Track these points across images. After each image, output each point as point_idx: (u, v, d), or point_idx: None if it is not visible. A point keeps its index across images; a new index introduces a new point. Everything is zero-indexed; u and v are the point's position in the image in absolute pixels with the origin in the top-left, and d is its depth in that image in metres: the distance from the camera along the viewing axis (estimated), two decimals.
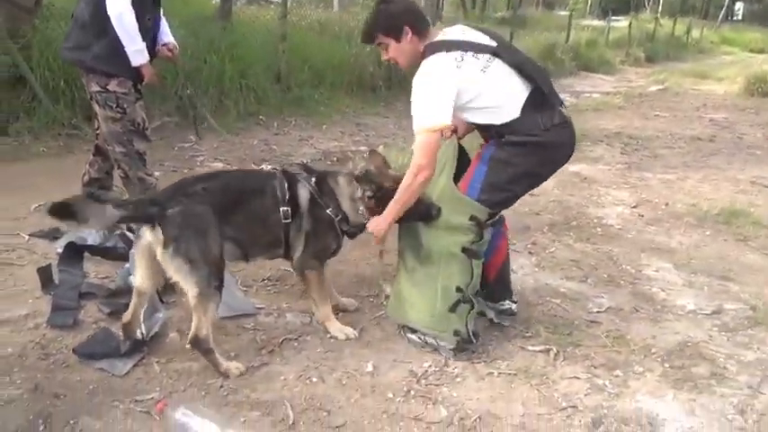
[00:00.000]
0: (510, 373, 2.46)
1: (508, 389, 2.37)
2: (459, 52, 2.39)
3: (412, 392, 2.30)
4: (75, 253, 2.99)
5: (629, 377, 2.48)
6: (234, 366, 2.31)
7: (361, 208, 2.59)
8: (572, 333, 2.78)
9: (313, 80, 7.58)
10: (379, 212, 2.51)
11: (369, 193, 2.54)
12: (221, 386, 2.24)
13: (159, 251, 2.20)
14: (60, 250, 3.02)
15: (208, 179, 2.52)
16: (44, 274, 2.76)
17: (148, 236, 2.24)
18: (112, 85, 3.35)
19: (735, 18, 50.36)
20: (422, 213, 2.52)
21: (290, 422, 2.08)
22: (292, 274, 3.10)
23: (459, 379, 2.41)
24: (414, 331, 2.63)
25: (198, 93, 5.60)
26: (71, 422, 1.99)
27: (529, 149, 2.46)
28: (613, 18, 31.29)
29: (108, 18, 3.19)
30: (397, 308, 2.70)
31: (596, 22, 25.12)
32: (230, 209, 2.42)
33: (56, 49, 4.87)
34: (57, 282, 2.76)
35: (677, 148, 6.97)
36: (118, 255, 3.08)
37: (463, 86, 2.37)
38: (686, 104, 10.65)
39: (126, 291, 2.75)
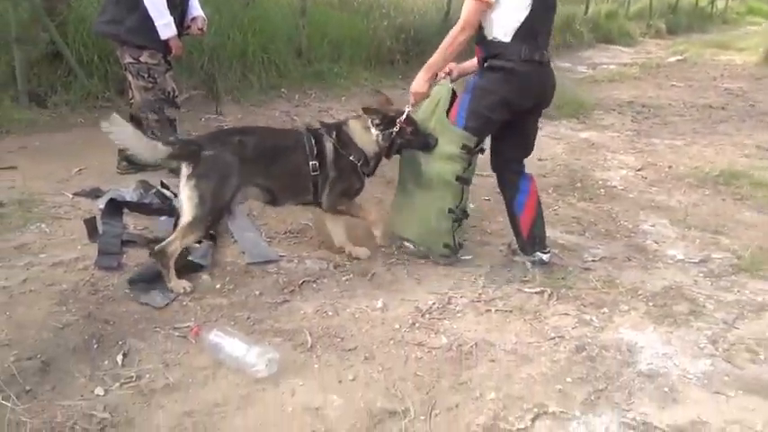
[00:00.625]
0: (506, 311, 2.73)
1: (503, 322, 2.64)
2: None
3: (417, 324, 2.58)
4: (115, 208, 3.30)
5: (614, 314, 2.75)
6: (182, 285, 2.68)
7: (375, 134, 2.99)
8: (566, 278, 3.04)
9: (332, 54, 7.79)
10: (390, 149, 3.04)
11: (377, 122, 2.97)
12: (248, 317, 2.55)
13: (183, 181, 2.66)
14: (102, 206, 3.34)
15: (244, 133, 2.91)
16: (90, 224, 3.08)
17: (184, 170, 2.68)
18: (144, 57, 3.66)
19: None
20: (422, 143, 2.99)
21: (309, 346, 2.38)
22: (312, 227, 3.43)
23: (459, 314, 2.69)
24: (411, 242, 3.16)
25: (221, 68, 5.88)
26: (119, 343, 2.30)
27: (505, 76, 2.84)
28: None
29: None
30: (397, 224, 3.23)
31: None
32: (262, 161, 2.81)
33: (89, 26, 5.17)
34: (101, 232, 3.08)
35: (688, 116, 7.11)
36: (154, 210, 3.38)
37: None
38: (702, 74, 10.68)
39: (161, 240, 3.09)
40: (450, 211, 3.05)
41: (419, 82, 2.98)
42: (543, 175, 4.60)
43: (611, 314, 2.74)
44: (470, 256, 3.25)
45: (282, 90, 6.82)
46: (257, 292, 2.75)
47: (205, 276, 2.83)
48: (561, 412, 2.08)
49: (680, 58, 12.67)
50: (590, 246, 3.45)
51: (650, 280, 3.08)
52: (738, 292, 3.00)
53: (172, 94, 3.84)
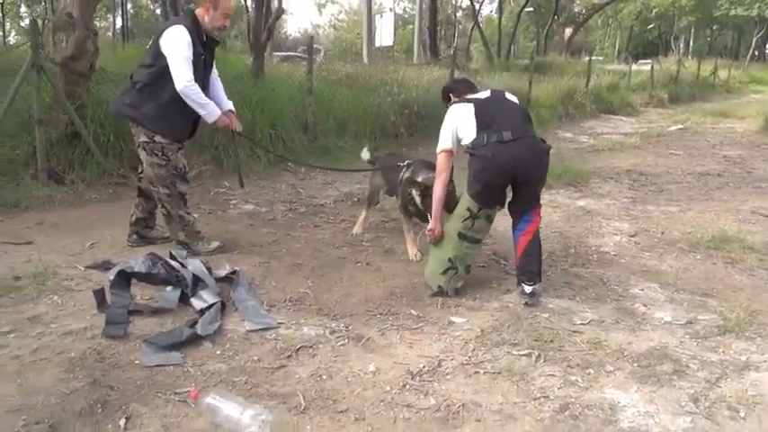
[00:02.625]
0: (494, 372, 2.83)
1: (491, 384, 2.74)
2: (463, 103, 3.68)
3: (407, 386, 2.68)
4: (124, 279, 3.49)
5: (599, 375, 2.83)
6: None
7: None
8: (554, 340, 3.14)
9: (338, 129, 8.15)
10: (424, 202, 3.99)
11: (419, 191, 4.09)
12: (245, 381, 2.66)
13: None
14: (112, 277, 3.52)
15: None
16: (98, 295, 3.25)
17: None
18: (158, 138, 3.92)
19: (767, 59, 50.14)
20: (450, 205, 3.79)
21: (302, 408, 2.49)
22: (310, 295, 3.58)
23: (449, 376, 2.79)
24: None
25: (232, 144, 6.19)
26: (122, 407, 2.43)
27: (473, 158, 3.58)
28: (641, 61, 31.75)
29: (161, 86, 3.81)
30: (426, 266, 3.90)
31: (621, 67, 25.49)
32: None
33: (106, 108, 5.53)
34: (109, 302, 3.25)
35: (684, 183, 7.28)
36: (160, 280, 3.55)
37: (457, 125, 3.64)
38: (702, 142, 10.94)
39: (167, 309, 3.26)
40: (449, 260, 3.64)
41: (432, 225, 3.72)
42: None
43: (596, 375, 2.82)
44: (464, 319, 3.37)
45: (289, 164, 7.12)
46: (255, 358, 2.88)
47: (207, 343, 2.97)
48: None
49: (681, 126, 12.99)
50: (580, 309, 3.56)
51: (636, 341, 3.17)
52: (723, 352, 3.08)
53: (183, 170, 4.09)
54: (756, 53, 46.07)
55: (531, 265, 3.61)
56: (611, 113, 15.37)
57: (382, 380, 2.74)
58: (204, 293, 3.36)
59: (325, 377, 2.74)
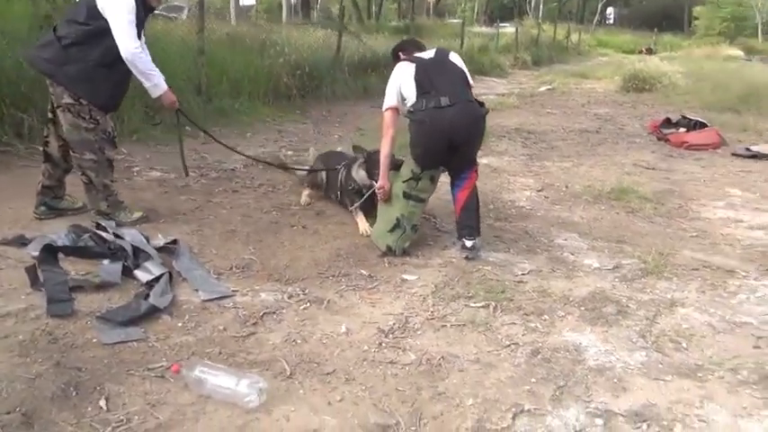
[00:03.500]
0: (459, 324, 2.94)
1: (460, 336, 2.84)
2: (408, 62, 3.73)
3: (383, 344, 2.72)
4: (50, 254, 3.20)
5: (554, 320, 3.03)
6: None
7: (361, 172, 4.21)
8: (504, 291, 3.30)
9: (232, 91, 7.83)
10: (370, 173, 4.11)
11: (361, 161, 4.23)
12: (219, 352, 2.58)
13: None
14: (36, 253, 3.22)
15: None
16: (31, 272, 2.97)
17: None
18: (84, 100, 3.60)
19: (607, 22, 54.07)
20: (396, 165, 3.88)
21: (288, 374, 2.45)
22: (256, 261, 3.50)
23: (419, 332, 2.86)
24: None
25: (124, 107, 5.77)
26: (97, 388, 2.27)
27: (412, 123, 3.68)
28: (500, 24, 33.08)
29: (92, 48, 3.49)
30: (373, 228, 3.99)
31: (485, 29, 26.42)
32: None
33: None
34: (42, 279, 2.98)
35: (569, 140, 7.80)
36: (93, 253, 3.31)
37: (401, 83, 3.70)
38: (572, 102, 11.71)
39: (111, 283, 3.05)
40: (397, 219, 3.73)
41: (380, 183, 3.81)
42: None
43: (551, 320, 3.02)
44: (415, 277, 3.45)
45: (187, 128, 6.74)
46: (221, 327, 2.78)
47: (165, 316, 2.82)
48: (535, 409, 2.30)
49: (549, 87, 13.78)
50: (517, 261, 3.76)
51: (576, 287, 3.41)
52: (651, 292, 3.39)
53: (111, 133, 3.80)
54: (599, 18, 49.57)
55: (470, 220, 3.76)
56: (483, 75, 15.94)
57: (357, 340, 2.76)
58: (148, 264, 3.17)
59: (299, 341, 2.72)
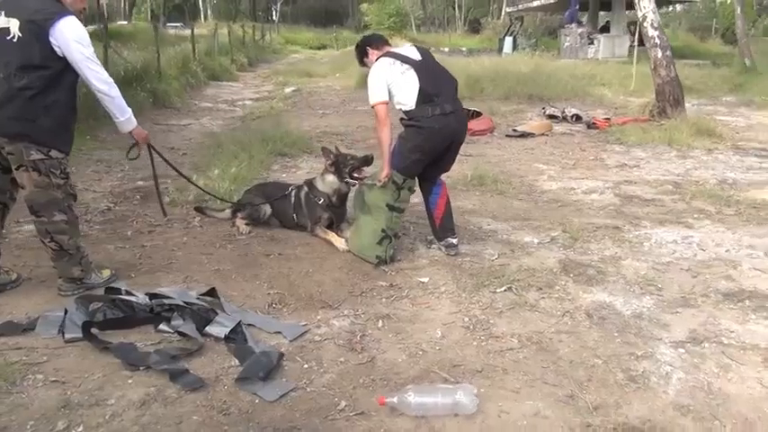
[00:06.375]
0: (511, 308, 3.43)
1: (523, 316, 3.36)
2: (392, 59, 3.87)
3: (484, 338, 3.10)
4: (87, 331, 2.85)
5: (567, 287, 3.69)
6: None
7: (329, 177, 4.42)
8: (504, 275, 3.84)
9: None
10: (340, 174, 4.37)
11: (330, 162, 4.40)
12: (377, 379, 2.71)
13: None
14: (72, 335, 2.85)
15: None
16: (125, 354, 2.67)
17: None
18: (54, 152, 3.20)
19: (273, 20, 56.22)
20: (366, 161, 4.38)
21: (453, 380, 2.72)
22: (285, 294, 3.52)
23: (492, 322, 3.28)
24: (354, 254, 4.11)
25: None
26: None
27: (416, 129, 3.85)
28: (171, 24, 32.30)
29: (58, 92, 3.15)
30: (351, 241, 4.21)
31: (201, 31, 25.56)
32: None
33: None
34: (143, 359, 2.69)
35: None
36: (138, 320, 3.00)
37: (389, 80, 3.83)
38: (332, 101, 12.47)
39: (198, 345, 2.86)
40: (383, 231, 3.97)
41: (386, 172, 3.92)
42: None
43: (563, 289, 3.68)
44: (427, 278, 3.82)
45: None
46: (342, 359, 2.87)
47: (289, 362, 2.80)
48: (641, 353, 2.97)
49: (294, 89, 14.35)
50: (480, 249, 4.32)
51: (545, 261, 4.10)
52: (592, 254, 4.27)
53: (73, 188, 3.37)
54: (265, 16, 51.63)
55: (450, 223, 4.23)
56: (217, 80, 15.77)
57: (460, 339, 3.08)
58: (220, 318, 3.02)
59: (419, 352, 2.95)
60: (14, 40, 3.05)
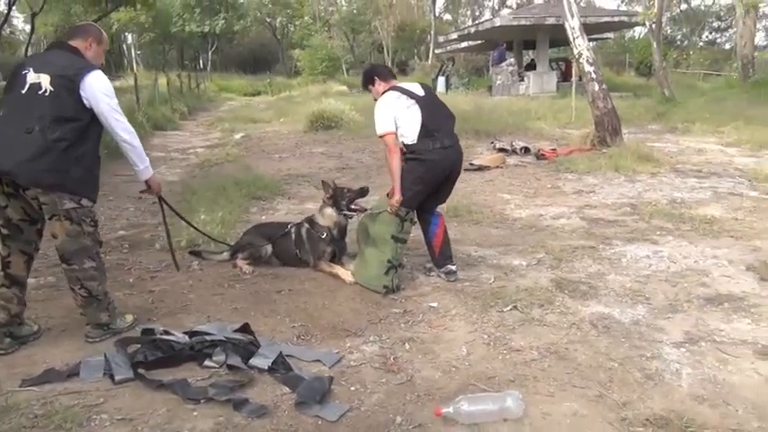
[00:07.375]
0: (521, 324, 3.70)
1: (535, 331, 3.62)
2: (398, 93, 4.17)
3: (505, 352, 3.35)
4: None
5: (565, 304, 3.99)
6: None
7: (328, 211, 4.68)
8: (505, 296, 4.12)
9: None
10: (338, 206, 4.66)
11: (328, 195, 4.68)
12: (422, 395, 2.90)
13: None
14: (122, 377, 2.92)
15: None
16: (188, 391, 2.75)
17: None
18: (85, 201, 3.33)
19: (201, 68, 56.04)
20: (362, 192, 4.78)
21: (495, 390, 2.95)
22: (309, 326, 3.67)
23: (509, 337, 3.54)
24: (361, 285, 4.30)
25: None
26: None
27: (418, 162, 4.14)
28: None
29: (87, 143, 3.31)
30: (356, 273, 4.39)
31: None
32: None
33: None
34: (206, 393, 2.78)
35: (347, 176, 8.71)
36: (185, 357, 3.09)
37: (396, 113, 4.12)
38: (282, 145, 12.53)
39: (252, 375, 2.98)
40: (389, 261, 4.18)
41: (398, 197, 4.13)
42: None
43: (563, 304, 3.98)
44: (436, 303, 4.05)
45: None
46: (383, 380, 3.05)
47: (335, 386, 2.96)
48: (649, 355, 3.27)
49: (243, 134, 14.44)
50: (477, 273, 4.59)
51: (538, 281, 4.41)
52: (579, 272, 4.62)
53: (99, 236, 3.46)
54: (194, 65, 51.62)
55: (449, 250, 4.50)
56: (161, 130, 15.65)
57: (485, 355, 3.32)
58: (263, 351, 3.16)
59: (460, 368, 3.17)
60: (46, 94, 3.17)
